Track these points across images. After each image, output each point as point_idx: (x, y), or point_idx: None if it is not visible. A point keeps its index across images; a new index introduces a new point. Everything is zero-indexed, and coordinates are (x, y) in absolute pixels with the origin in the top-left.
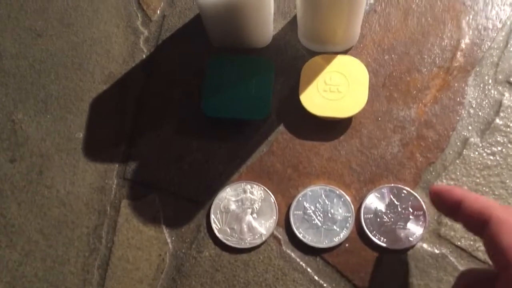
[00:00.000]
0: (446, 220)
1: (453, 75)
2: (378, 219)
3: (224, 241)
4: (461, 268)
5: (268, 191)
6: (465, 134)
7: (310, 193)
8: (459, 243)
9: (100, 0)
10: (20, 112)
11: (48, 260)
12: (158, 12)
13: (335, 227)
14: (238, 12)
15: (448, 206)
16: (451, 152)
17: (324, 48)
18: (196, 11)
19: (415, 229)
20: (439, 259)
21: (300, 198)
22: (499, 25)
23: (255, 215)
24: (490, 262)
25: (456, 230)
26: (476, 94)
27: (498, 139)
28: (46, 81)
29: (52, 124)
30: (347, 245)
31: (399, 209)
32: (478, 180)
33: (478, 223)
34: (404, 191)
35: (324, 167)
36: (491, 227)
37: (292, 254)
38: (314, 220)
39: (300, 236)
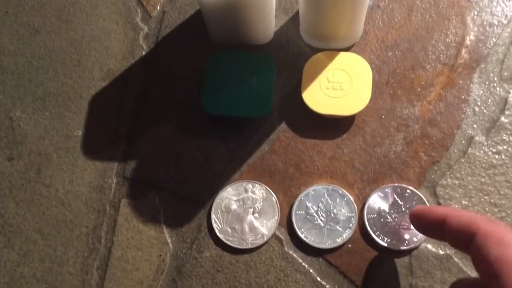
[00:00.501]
0: None
1: (457, 72)
2: (382, 219)
3: (225, 241)
4: (466, 269)
5: (270, 190)
6: (470, 132)
7: (313, 193)
8: None
9: None
10: (18, 110)
11: (46, 260)
12: (158, 8)
13: (338, 227)
14: (239, 7)
15: (432, 225)
16: (455, 151)
17: (327, 45)
18: (196, 7)
19: None
20: (443, 260)
21: (302, 198)
22: (505, 21)
23: (256, 214)
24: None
25: None
26: (481, 92)
27: (504, 137)
28: (45, 78)
29: (50, 122)
30: (350, 245)
31: (403, 209)
32: (483, 180)
33: (465, 238)
34: (408, 191)
35: (326, 166)
36: (478, 239)
37: (294, 255)
38: (316, 220)
39: (302, 236)
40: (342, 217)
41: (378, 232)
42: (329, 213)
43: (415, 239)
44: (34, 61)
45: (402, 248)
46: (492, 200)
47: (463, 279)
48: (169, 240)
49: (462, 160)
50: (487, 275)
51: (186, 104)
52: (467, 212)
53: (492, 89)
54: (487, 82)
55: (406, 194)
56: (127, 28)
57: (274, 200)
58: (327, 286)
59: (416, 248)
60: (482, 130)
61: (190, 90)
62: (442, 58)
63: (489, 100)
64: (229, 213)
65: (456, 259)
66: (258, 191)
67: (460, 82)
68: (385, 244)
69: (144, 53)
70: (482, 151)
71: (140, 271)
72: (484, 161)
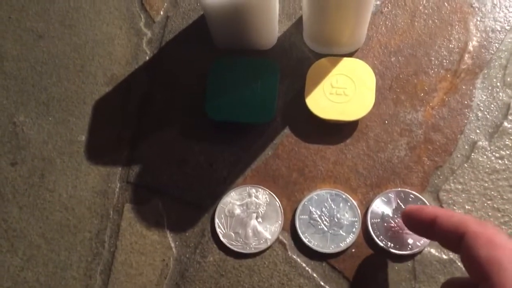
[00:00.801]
0: None
1: (460, 77)
2: (385, 224)
3: (229, 245)
4: None
5: (273, 195)
6: (473, 137)
7: (316, 197)
8: None
9: (102, 1)
10: (21, 115)
11: (50, 265)
12: (162, 13)
13: (341, 232)
14: (243, 13)
15: (423, 224)
16: (459, 156)
17: (330, 50)
18: (200, 12)
19: None
20: (447, 264)
21: (305, 202)
22: (507, 27)
23: (260, 219)
24: None
25: None
26: (484, 97)
27: (507, 142)
28: (48, 83)
29: (54, 127)
30: (353, 250)
31: None
32: (486, 184)
33: (454, 238)
34: (412, 196)
35: (330, 171)
36: (467, 241)
37: (298, 259)
38: (320, 224)
39: (305, 241)
40: (345, 222)
41: (381, 237)
42: (332, 218)
43: (418, 244)
44: (37, 66)
45: (406, 252)
46: (495, 205)
47: (454, 278)
48: (172, 245)
49: (465, 165)
50: (478, 275)
51: (189, 109)
52: (457, 213)
53: (495, 95)
54: (490, 88)
55: (410, 199)
56: (130, 33)
57: (278, 204)
58: None
59: (419, 252)
60: (485, 135)
61: (194, 95)
62: (445, 64)
63: (492, 106)
64: (233, 218)
65: (459, 264)
66: (261, 196)
67: (463, 87)
68: (389, 249)
69: (147, 58)
70: (485, 156)
71: (144, 276)
72: (487, 166)
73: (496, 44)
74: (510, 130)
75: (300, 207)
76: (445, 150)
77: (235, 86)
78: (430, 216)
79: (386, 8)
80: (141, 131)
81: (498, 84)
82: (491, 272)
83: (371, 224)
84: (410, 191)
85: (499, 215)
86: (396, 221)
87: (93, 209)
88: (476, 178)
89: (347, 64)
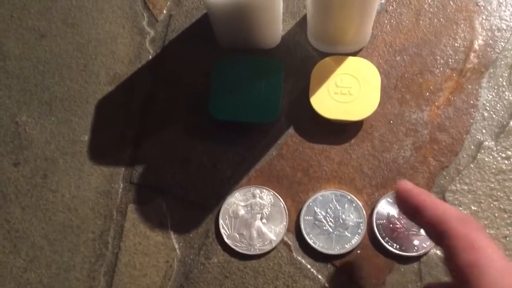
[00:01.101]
0: None
1: (466, 77)
2: (391, 225)
3: (233, 247)
4: None
5: (278, 195)
6: (479, 137)
7: (321, 198)
8: None
9: (105, 0)
10: (24, 114)
11: (53, 266)
12: (165, 12)
13: (346, 233)
14: (247, 12)
15: (411, 210)
16: (465, 156)
17: (335, 49)
18: (203, 10)
19: None
20: None
21: (310, 203)
22: None
23: (264, 220)
24: None
25: None
26: (490, 97)
27: None
28: (50, 83)
29: (56, 127)
30: (359, 251)
31: None
32: (492, 185)
33: (435, 234)
34: None
35: (335, 171)
36: (448, 241)
37: (303, 261)
38: (325, 225)
39: (310, 242)
40: (350, 223)
41: (387, 238)
42: (337, 219)
43: (424, 245)
44: (40, 66)
45: (411, 254)
46: (501, 206)
47: (434, 283)
48: (176, 246)
49: (471, 165)
50: (458, 279)
51: (192, 108)
52: (444, 205)
53: (501, 94)
54: (496, 87)
55: None
56: (133, 32)
57: (282, 205)
58: None
59: (425, 254)
60: (491, 135)
61: (197, 94)
62: (450, 63)
63: (498, 105)
64: (237, 219)
65: None
66: (266, 197)
67: (469, 87)
68: (394, 250)
69: (150, 57)
70: (491, 156)
71: (148, 277)
72: (494, 166)
73: (502, 43)
74: None
75: (304, 208)
76: (451, 150)
77: (239, 85)
78: (416, 201)
79: (391, 7)
80: (144, 131)
81: (504, 83)
82: (471, 276)
83: (377, 225)
84: None
85: (505, 215)
86: (402, 222)
87: (96, 210)
88: (482, 178)
89: (352, 63)
